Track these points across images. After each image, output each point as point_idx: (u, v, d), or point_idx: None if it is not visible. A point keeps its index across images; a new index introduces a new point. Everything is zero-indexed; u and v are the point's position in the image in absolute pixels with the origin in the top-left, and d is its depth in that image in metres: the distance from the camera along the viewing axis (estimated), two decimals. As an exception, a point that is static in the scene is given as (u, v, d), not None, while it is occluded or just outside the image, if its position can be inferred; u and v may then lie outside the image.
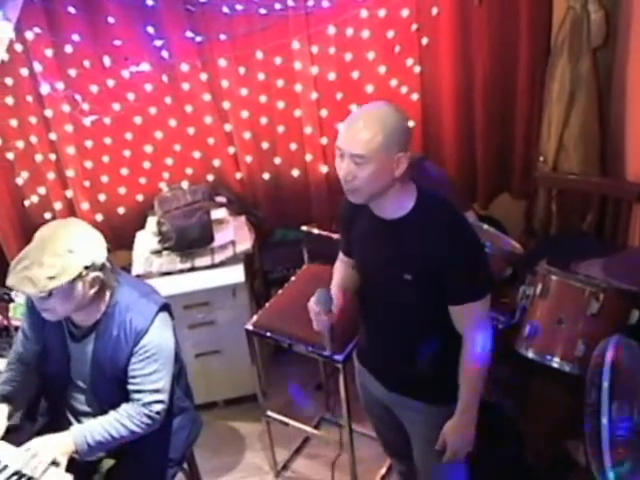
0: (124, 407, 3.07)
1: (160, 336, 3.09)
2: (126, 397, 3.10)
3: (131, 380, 3.07)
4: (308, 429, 4.32)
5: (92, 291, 2.97)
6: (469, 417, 2.92)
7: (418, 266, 2.70)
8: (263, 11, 4.42)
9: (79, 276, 2.88)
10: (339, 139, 2.64)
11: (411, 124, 2.79)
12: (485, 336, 2.81)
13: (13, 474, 2.91)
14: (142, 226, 4.88)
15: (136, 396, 3.06)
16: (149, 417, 3.05)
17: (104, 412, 3.11)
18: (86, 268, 2.90)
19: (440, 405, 2.96)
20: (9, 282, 2.90)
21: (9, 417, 3.24)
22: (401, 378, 3.02)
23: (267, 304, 4.15)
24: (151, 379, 3.05)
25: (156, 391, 3.06)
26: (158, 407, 3.06)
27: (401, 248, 2.74)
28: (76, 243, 2.90)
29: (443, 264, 2.65)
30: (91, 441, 2.99)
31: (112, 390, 3.13)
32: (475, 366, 2.83)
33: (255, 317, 4.04)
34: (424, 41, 4.65)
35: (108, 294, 3.08)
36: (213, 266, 4.52)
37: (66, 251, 2.86)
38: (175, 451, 3.37)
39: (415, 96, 4.77)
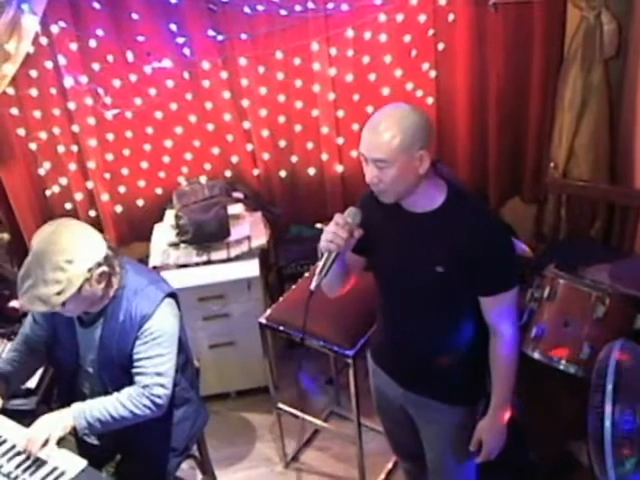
0: (126, 389, 3.08)
1: (164, 321, 3.11)
2: (131, 384, 3.12)
3: (135, 363, 3.09)
4: (318, 422, 4.34)
5: (101, 285, 3.01)
6: (503, 413, 2.92)
7: (450, 258, 2.67)
8: (283, 12, 4.48)
9: (85, 280, 2.91)
10: (361, 145, 2.64)
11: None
12: (516, 326, 2.82)
13: (24, 459, 2.97)
14: (160, 219, 4.95)
15: (138, 378, 3.08)
16: (149, 400, 3.05)
17: None
18: (89, 270, 2.92)
19: (459, 405, 2.97)
20: (21, 302, 2.93)
21: (2, 397, 3.27)
22: (421, 377, 3.00)
23: (281, 298, 4.18)
24: (153, 362, 3.07)
25: (158, 374, 3.07)
26: (159, 391, 3.06)
27: (433, 240, 2.72)
28: (73, 251, 2.89)
29: (475, 255, 2.64)
30: (90, 418, 3.01)
31: (118, 376, 3.15)
32: (508, 357, 2.84)
33: (269, 311, 4.06)
34: (440, 46, 4.71)
35: (116, 280, 3.10)
36: (229, 260, 4.57)
37: (66, 263, 2.86)
38: (178, 441, 3.39)
39: (430, 100, 4.82)
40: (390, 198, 2.71)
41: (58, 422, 3.01)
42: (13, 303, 4.24)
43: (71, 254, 2.88)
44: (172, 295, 3.23)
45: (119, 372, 3.15)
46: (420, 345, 2.95)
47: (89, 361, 3.23)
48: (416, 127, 2.58)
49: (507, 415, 2.94)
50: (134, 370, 3.09)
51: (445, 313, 2.84)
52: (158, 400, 3.06)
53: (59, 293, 2.85)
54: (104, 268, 2.98)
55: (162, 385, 3.07)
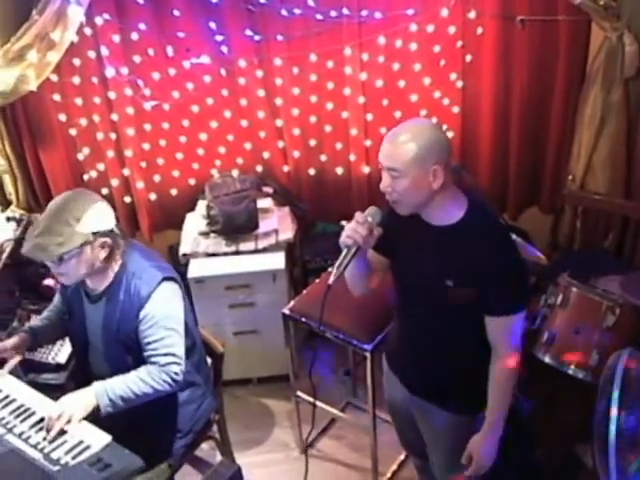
0: (144, 366, 3.16)
1: (163, 303, 3.17)
2: (136, 364, 3.19)
3: (145, 347, 3.16)
4: (335, 411, 4.40)
5: (102, 255, 3.10)
6: (496, 431, 2.96)
7: (460, 274, 2.72)
8: (319, 17, 4.58)
9: (86, 242, 3.02)
10: (380, 153, 2.72)
11: (449, 135, 2.73)
12: (517, 350, 2.84)
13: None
14: (192, 208, 5.07)
15: (152, 360, 3.15)
16: (168, 375, 3.14)
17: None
18: (93, 234, 3.03)
19: (462, 415, 3.04)
20: (23, 250, 3.05)
21: (29, 349, 3.48)
22: (426, 383, 3.09)
23: (304, 291, 4.29)
24: (163, 343, 3.14)
25: (170, 354, 3.15)
26: (175, 368, 3.15)
27: (447, 255, 2.75)
28: (83, 212, 3.01)
29: (484, 276, 2.68)
30: (112, 395, 3.06)
31: (123, 356, 3.24)
32: (504, 378, 2.88)
33: (292, 302, 4.16)
34: (468, 58, 4.81)
35: (119, 260, 3.20)
36: (256, 251, 4.70)
37: (74, 220, 2.98)
38: (183, 423, 3.46)
39: (456, 109, 4.92)
40: (403, 209, 2.78)
41: (80, 402, 3.08)
42: (48, 281, 4.32)
43: (81, 214, 3.02)
44: (171, 277, 3.29)
45: (123, 352, 3.25)
46: (426, 353, 3.03)
47: (96, 339, 3.33)
48: (433, 143, 2.64)
49: (499, 433, 2.97)
50: (146, 354, 3.18)
51: (451, 325, 2.89)
52: (175, 376, 3.16)
53: (59, 244, 2.97)
54: (107, 239, 3.10)
55: (176, 363, 3.17)
